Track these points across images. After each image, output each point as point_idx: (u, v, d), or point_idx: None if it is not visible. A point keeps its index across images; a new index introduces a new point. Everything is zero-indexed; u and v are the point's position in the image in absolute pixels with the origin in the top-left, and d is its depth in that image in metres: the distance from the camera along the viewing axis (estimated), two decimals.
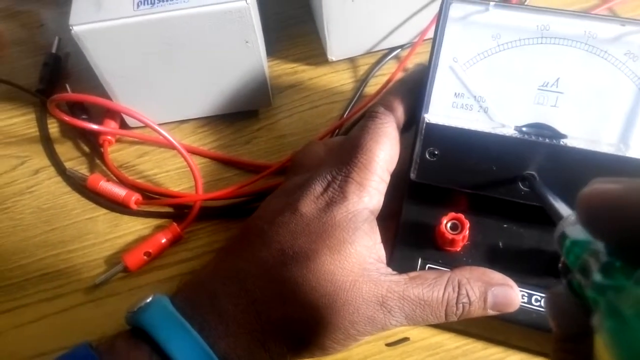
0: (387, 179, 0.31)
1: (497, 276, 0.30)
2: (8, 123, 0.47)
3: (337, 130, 0.43)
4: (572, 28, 0.30)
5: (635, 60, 0.29)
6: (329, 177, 0.30)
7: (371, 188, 0.30)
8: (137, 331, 0.28)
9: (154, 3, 0.36)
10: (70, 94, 0.43)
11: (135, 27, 0.36)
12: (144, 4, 0.36)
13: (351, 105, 0.44)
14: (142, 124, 0.42)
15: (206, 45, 0.38)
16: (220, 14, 0.36)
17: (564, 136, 0.30)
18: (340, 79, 0.46)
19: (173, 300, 0.29)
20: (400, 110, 0.32)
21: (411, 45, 0.46)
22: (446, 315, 0.29)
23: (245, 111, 0.45)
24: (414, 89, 0.32)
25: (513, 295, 0.29)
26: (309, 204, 0.30)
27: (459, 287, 0.28)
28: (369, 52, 0.47)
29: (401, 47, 0.47)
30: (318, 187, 0.30)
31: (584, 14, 0.32)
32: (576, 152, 0.30)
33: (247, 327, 0.28)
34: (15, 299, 0.38)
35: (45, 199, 0.43)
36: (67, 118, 0.41)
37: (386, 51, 0.47)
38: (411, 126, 0.33)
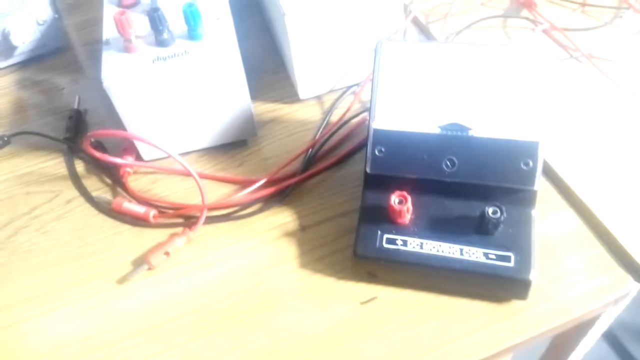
0: None
1: None
2: (41, 167, 0.58)
3: (309, 150, 0.54)
4: (467, 53, 0.42)
5: None
6: None
7: None
8: None
9: (165, 59, 0.48)
10: (103, 130, 0.53)
11: (151, 77, 0.48)
12: (158, 60, 0.48)
13: (320, 131, 0.56)
14: (154, 158, 0.53)
15: (205, 87, 0.50)
16: (214, 60, 0.48)
17: (470, 129, 0.42)
18: (310, 112, 0.58)
19: None
20: None
21: (363, 82, 0.58)
22: None
23: (237, 142, 0.56)
24: None
25: None
26: None
27: None
28: (331, 90, 0.59)
29: (357, 84, 0.59)
30: None
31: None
32: (476, 139, 0.42)
33: None
34: (59, 299, 0.47)
35: (77, 222, 0.52)
36: (97, 154, 0.51)
37: (344, 89, 0.59)
38: None
